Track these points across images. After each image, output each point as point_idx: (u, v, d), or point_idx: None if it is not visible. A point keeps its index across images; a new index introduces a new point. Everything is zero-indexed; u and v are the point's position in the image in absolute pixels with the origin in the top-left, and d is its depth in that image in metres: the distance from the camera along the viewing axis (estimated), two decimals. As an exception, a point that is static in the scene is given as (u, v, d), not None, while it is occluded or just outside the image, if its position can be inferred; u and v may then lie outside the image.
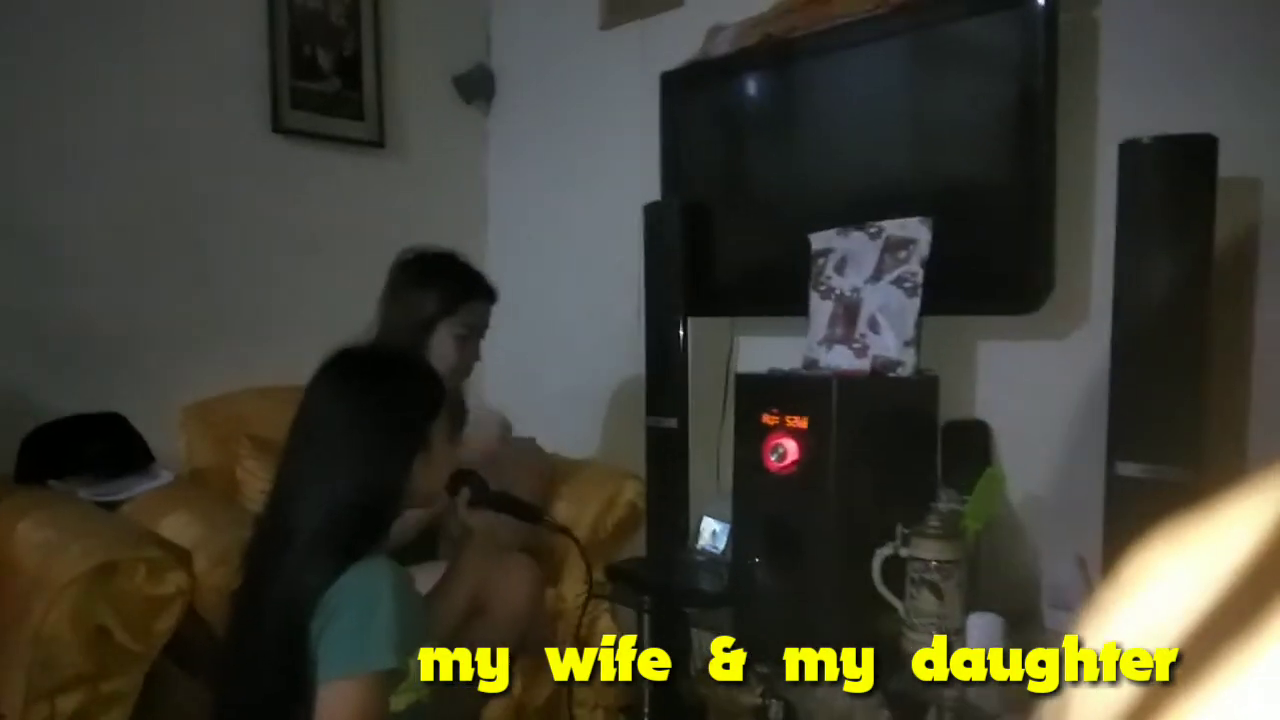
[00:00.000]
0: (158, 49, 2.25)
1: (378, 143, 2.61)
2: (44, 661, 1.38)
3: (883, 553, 1.53)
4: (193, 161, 2.31)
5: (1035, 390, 1.72)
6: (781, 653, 1.67)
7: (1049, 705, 0.23)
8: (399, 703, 1.19)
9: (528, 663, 1.90)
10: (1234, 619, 0.19)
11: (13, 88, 2.06)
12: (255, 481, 2.06)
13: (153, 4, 2.24)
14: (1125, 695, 0.20)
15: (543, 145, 2.72)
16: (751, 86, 2.06)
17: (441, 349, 1.77)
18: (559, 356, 2.64)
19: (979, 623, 1.46)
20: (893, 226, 1.71)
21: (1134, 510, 1.39)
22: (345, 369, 1.25)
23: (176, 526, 1.69)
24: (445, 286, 1.79)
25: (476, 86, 2.81)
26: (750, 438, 1.63)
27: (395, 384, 1.26)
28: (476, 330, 1.84)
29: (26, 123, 2.07)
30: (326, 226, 2.52)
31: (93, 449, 1.89)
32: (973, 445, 1.75)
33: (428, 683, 1.23)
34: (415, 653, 1.18)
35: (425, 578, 1.42)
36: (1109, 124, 1.59)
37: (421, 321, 1.77)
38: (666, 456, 2.03)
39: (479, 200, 2.87)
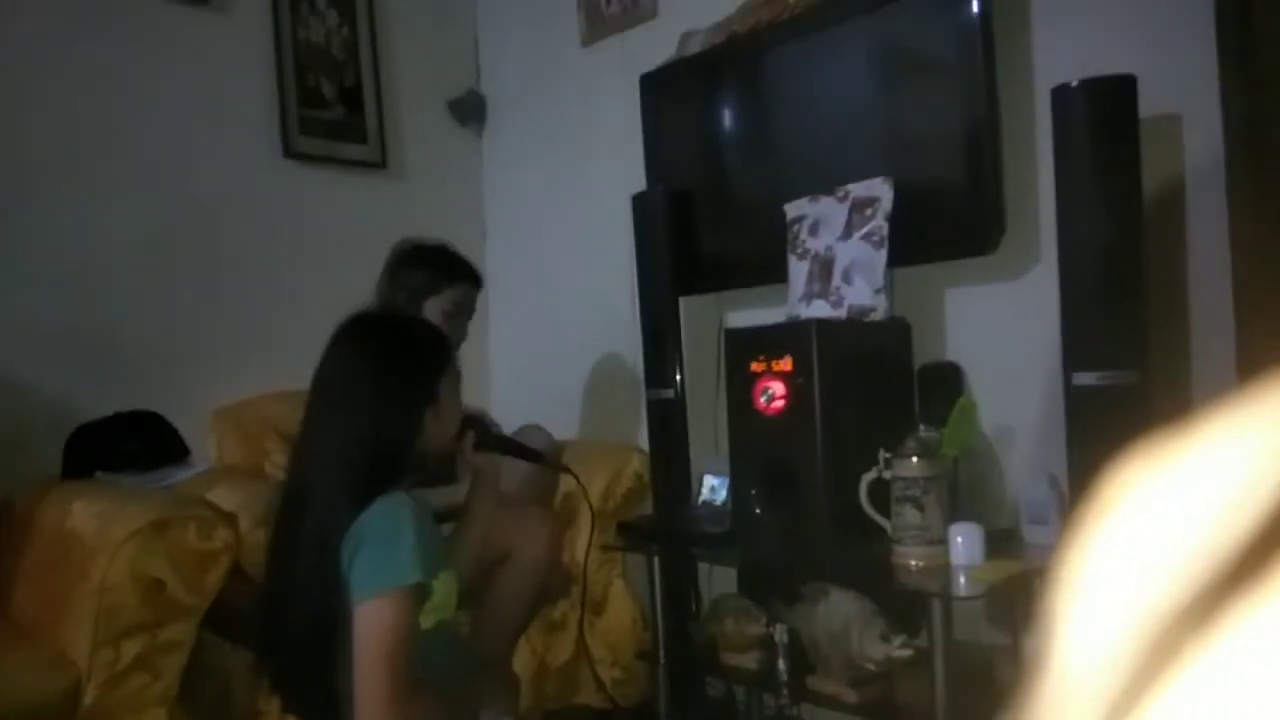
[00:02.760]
0: (177, 85, 2.44)
1: (380, 164, 2.80)
2: (107, 610, 1.51)
3: (868, 477, 1.67)
4: (212, 185, 2.49)
5: (999, 328, 1.88)
6: (784, 582, 1.81)
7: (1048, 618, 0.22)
8: (426, 621, 1.29)
9: (547, 619, 2.03)
10: (1225, 541, 0.18)
11: (44, 126, 2.24)
12: (282, 474, 2.20)
13: (168, 46, 2.44)
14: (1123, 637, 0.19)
15: (535, 156, 2.90)
16: (722, 79, 2.25)
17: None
18: (561, 345, 2.80)
19: (961, 530, 1.59)
20: (858, 188, 1.87)
21: (1093, 419, 1.54)
22: (360, 330, 1.37)
23: (219, 496, 1.82)
24: (435, 267, 1.97)
25: (469, 110, 3.00)
26: (741, 385, 1.78)
27: (406, 342, 1.38)
28: (463, 309, 2.00)
29: (56, 156, 2.26)
30: (335, 242, 2.69)
31: (132, 444, 2.03)
32: (947, 385, 1.89)
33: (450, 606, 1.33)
34: (437, 574, 1.29)
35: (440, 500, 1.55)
36: (1046, 68, 1.76)
37: (411, 296, 1.93)
38: (667, 425, 2.17)
39: (476, 213, 3.05)
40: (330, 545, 1.23)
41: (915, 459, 1.63)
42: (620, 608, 2.19)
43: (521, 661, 1.98)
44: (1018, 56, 1.81)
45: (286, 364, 2.52)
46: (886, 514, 1.66)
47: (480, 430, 1.52)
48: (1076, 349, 1.57)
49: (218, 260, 2.50)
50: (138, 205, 2.35)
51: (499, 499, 1.60)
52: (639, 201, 2.28)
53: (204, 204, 2.47)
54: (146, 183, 2.37)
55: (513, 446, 1.61)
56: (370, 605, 1.22)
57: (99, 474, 1.95)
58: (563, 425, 2.43)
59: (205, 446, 2.34)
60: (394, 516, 1.25)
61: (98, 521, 1.63)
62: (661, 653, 1.94)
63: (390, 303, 1.95)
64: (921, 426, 1.81)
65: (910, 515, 1.63)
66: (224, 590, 1.64)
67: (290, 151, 2.61)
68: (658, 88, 2.35)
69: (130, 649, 1.52)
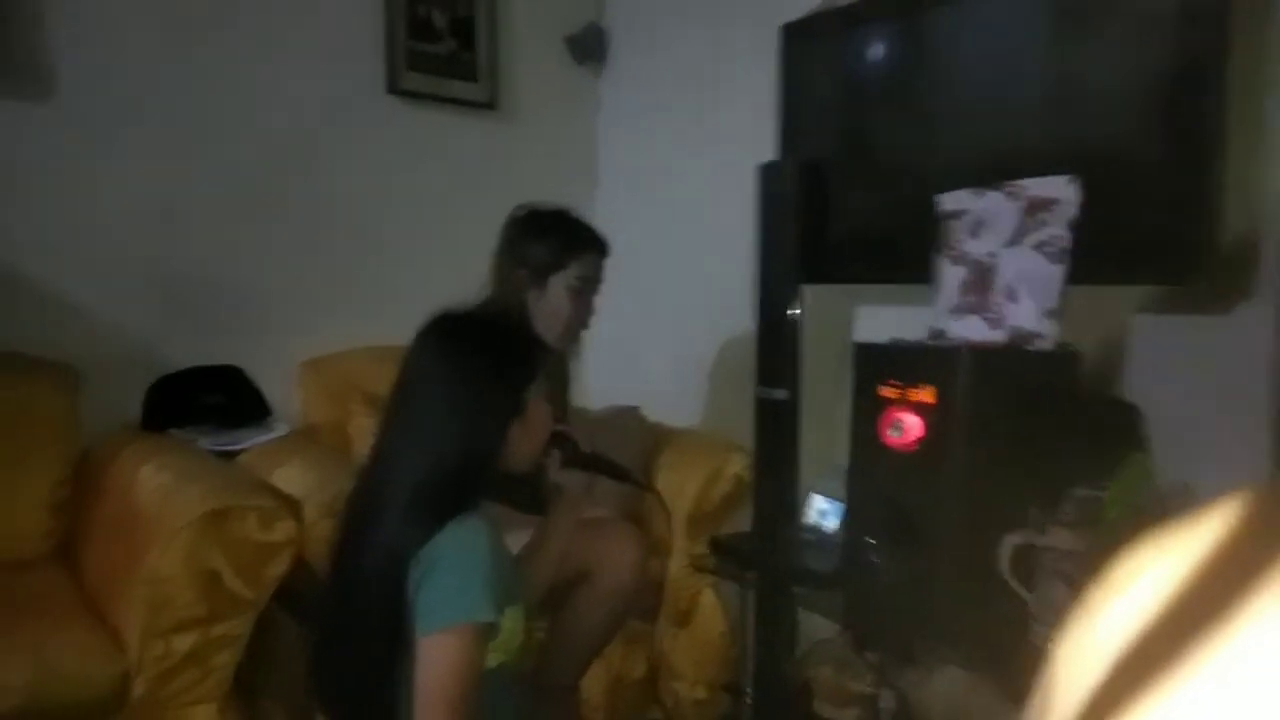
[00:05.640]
0: (279, 15, 2.28)
1: (490, 104, 2.59)
2: (159, 602, 1.42)
3: (1013, 540, 1.41)
4: (312, 122, 2.34)
5: (1192, 371, 1.56)
6: (894, 640, 1.59)
7: (1034, 701, 0.23)
8: (488, 661, 1.19)
9: (627, 633, 1.86)
10: (1199, 610, 0.19)
11: (138, 56, 2.12)
12: (365, 438, 2.05)
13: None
14: (1099, 686, 0.21)
15: (655, 105, 2.64)
16: (879, 37, 1.93)
17: (555, 302, 1.76)
18: (667, 322, 2.58)
19: (1119, 621, 1.33)
20: (1035, 186, 1.56)
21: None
22: (444, 332, 1.24)
23: (288, 477, 1.72)
24: (557, 239, 1.78)
25: (589, 47, 2.75)
26: (867, 411, 1.53)
27: (493, 348, 1.25)
28: (589, 283, 1.82)
29: (157, 90, 2.14)
30: (439, 187, 2.52)
31: (212, 400, 1.94)
32: (1119, 429, 1.60)
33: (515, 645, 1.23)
34: (505, 609, 1.18)
35: (516, 535, 1.40)
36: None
37: (534, 274, 1.76)
38: (776, 429, 1.94)
39: (589, 162, 2.83)
40: (399, 566, 1.14)
41: (1072, 528, 1.37)
42: (709, 621, 2.01)
43: (593, 675, 1.83)
44: (1253, 55, 1.44)
45: (381, 317, 2.39)
46: (1030, 585, 1.41)
47: (567, 447, 1.35)
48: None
49: (315, 201, 2.36)
50: (231, 142, 2.22)
51: (581, 516, 1.45)
52: (767, 172, 2.01)
53: (301, 142, 2.32)
54: (241, 119, 2.23)
55: (600, 464, 1.44)
56: (436, 639, 1.12)
57: (174, 432, 1.87)
58: (662, 411, 2.23)
59: (291, 400, 2.25)
60: (470, 544, 1.15)
61: (159, 497, 1.53)
62: (749, 688, 1.75)
63: (508, 281, 1.77)
64: (1081, 478, 1.53)
65: (1060, 593, 1.37)
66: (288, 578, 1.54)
67: (395, 88, 2.43)
68: (801, 40, 2.04)
69: (182, 643, 1.44)
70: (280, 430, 2.00)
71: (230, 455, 1.87)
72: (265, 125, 2.27)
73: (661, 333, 2.58)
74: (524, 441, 1.25)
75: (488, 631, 1.15)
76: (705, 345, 2.42)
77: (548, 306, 1.76)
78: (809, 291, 1.99)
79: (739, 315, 2.14)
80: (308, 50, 2.32)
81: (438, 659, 1.12)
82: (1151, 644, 0.21)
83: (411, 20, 2.45)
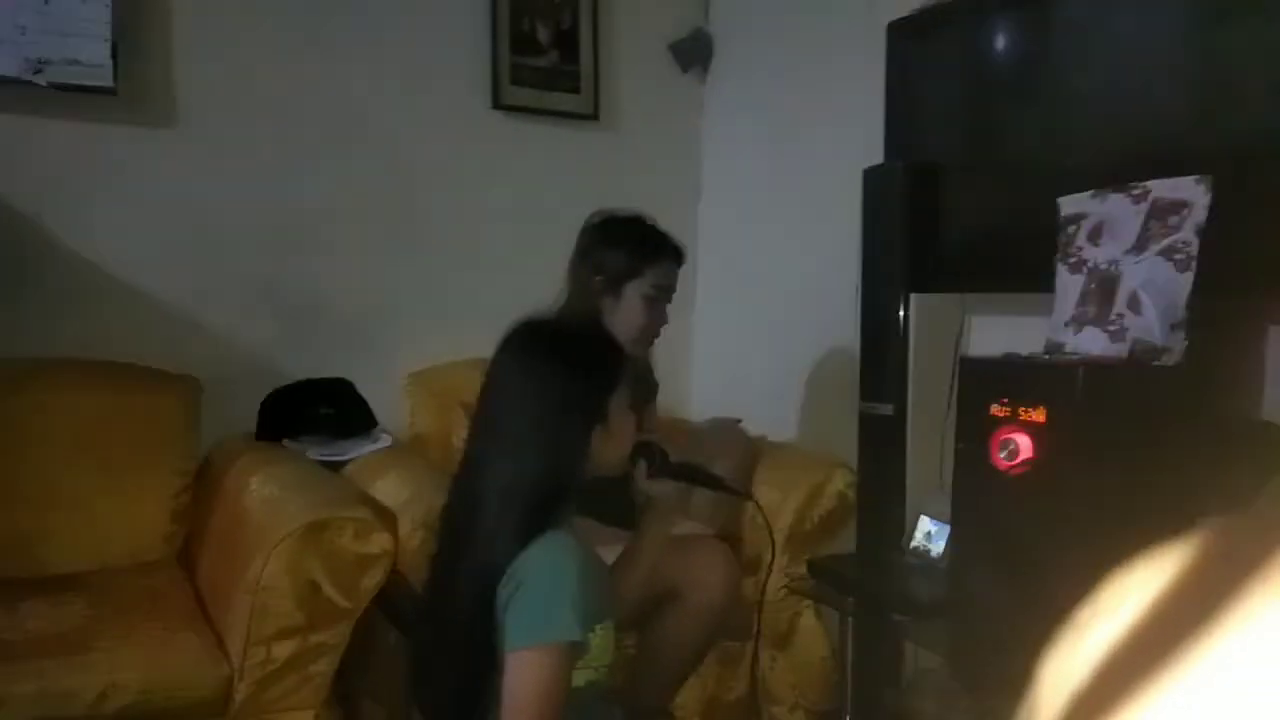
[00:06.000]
0: (388, 34, 2.35)
1: (592, 115, 2.59)
2: (261, 610, 1.46)
3: (1134, 573, 1.29)
4: (420, 139, 2.40)
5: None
6: (1000, 676, 1.48)
7: (1021, 712, 0.24)
8: (577, 679, 1.18)
9: (723, 650, 1.82)
10: (1180, 629, 0.20)
11: (261, 80, 2.23)
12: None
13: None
14: (1079, 702, 0.23)
15: (760, 111, 2.59)
16: (992, 31, 1.82)
17: (629, 310, 1.74)
18: (769, 333, 2.52)
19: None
20: (1161, 187, 1.43)
21: None
22: (523, 342, 1.24)
23: (387, 489, 1.75)
24: (633, 246, 1.77)
25: (694, 53, 2.72)
26: (975, 431, 1.43)
27: (572, 357, 1.23)
28: (664, 291, 1.80)
29: (270, 111, 2.24)
30: (542, 200, 2.54)
31: (322, 411, 2.01)
32: (1256, 450, 1.45)
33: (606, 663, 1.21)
34: (594, 626, 1.17)
35: (608, 550, 1.38)
36: None
37: (609, 281, 1.75)
38: (880, 446, 1.86)
39: (693, 171, 2.79)
40: (489, 583, 1.14)
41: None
42: (809, 644, 1.94)
43: (689, 694, 1.79)
44: None
45: (485, 329, 2.40)
46: (1155, 622, 1.29)
47: (654, 456, 1.32)
48: None
49: (422, 216, 2.42)
50: (341, 160, 2.31)
51: (673, 530, 1.41)
52: (872, 176, 1.93)
53: (408, 159, 2.39)
54: (350, 137, 2.31)
55: (691, 473, 1.39)
56: (523, 657, 1.12)
57: (285, 442, 1.94)
58: (764, 424, 2.17)
59: (399, 412, 2.30)
60: (558, 562, 1.14)
61: (265, 509, 1.59)
62: (847, 716, 1.68)
63: (585, 288, 1.78)
64: (1214, 505, 1.39)
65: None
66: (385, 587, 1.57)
67: (499, 103, 2.46)
68: (908, 38, 1.95)
69: (282, 650, 1.48)
70: (385, 441, 2.05)
71: (338, 466, 1.93)
72: (373, 143, 2.34)
73: (766, 344, 2.52)
74: (608, 450, 1.23)
75: (575, 650, 1.14)
76: (810, 357, 2.34)
77: (622, 314, 1.75)
78: (919, 301, 1.90)
79: (847, 326, 2.07)
80: (414, 68, 2.39)
81: (525, 677, 1.11)
82: (1133, 662, 0.21)
83: (515, 35, 2.48)
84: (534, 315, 1.30)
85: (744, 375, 2.49)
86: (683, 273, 1.90)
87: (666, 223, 1.93)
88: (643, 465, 1.32)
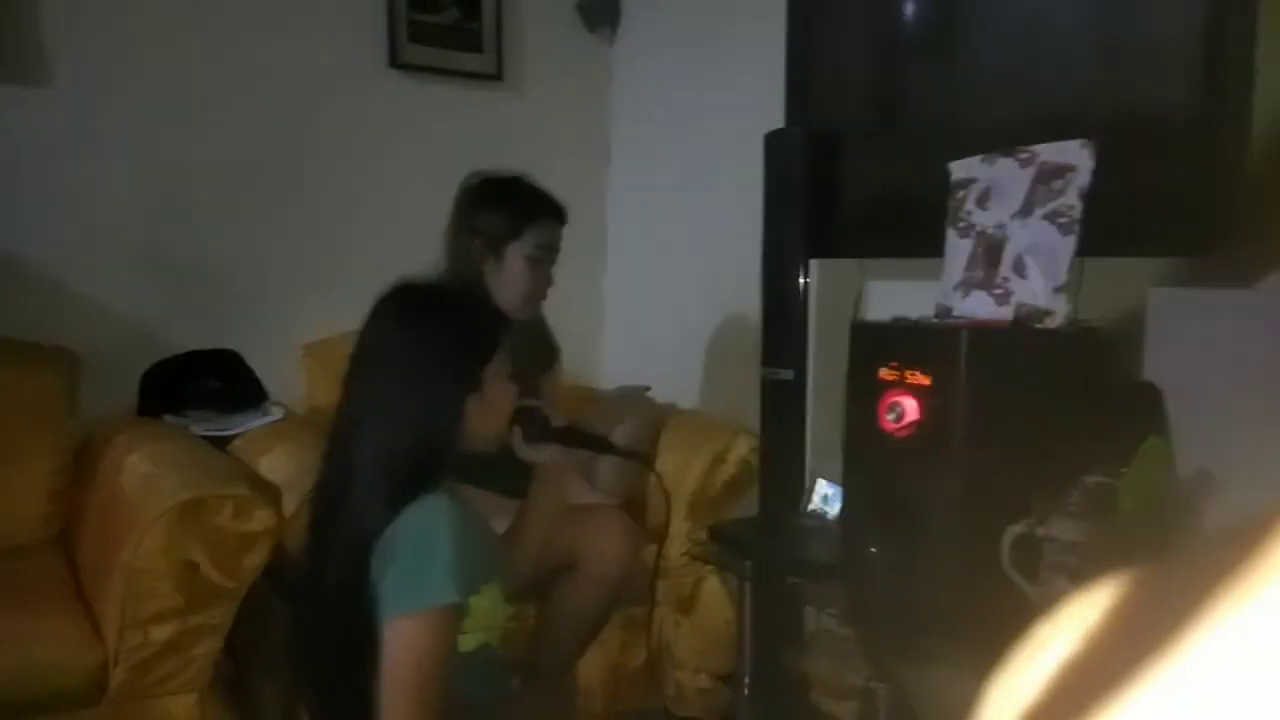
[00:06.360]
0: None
1: (496, 75, 2.52)
2: (136, 592, 1.40)
3: (1014, 530, 1.32)
4: (311, 100, 2.30)
5: (1216, 349, 1.44)
6: (892, 633, 1.51)
7: None
8: (466, 643, 1.16)
9: (624, 617, 1.82)
10: (1121, 660, 0.20)
11: (141, 38, 2.10)
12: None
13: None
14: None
15: (668, 74, 2.55)
16: (891, -6, 1.81)
17: (512, 273, 1.71)
18: (678, 299, 2.50)
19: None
20: (1048, 151, 1.45)
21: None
22: (399, 304, 1.20)
23: (275, 463, 1.70)
24: (512, 207, 1.72)
25: (600, 12, 2.66)
26: (864, 395, 1.44)
27: (447, 322, 1.19)
28: (547, 251, 1.76)
29: (153, 70, 2.11)
30: (444, 163, 2.45)
31: (207, 385, 1.93)
32: (1135, 412, 1.49)
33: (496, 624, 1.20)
34: (479, 589, 1.15)
35: (499, 521, 1.35)
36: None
37: (489, 244, 1.70)
38: (782, 411, 1.86)
39: (600, 135, 2.74)
40: (362, 553, 1.11)
41: (1077, 518, 1.27)
42: (713, 608, 1.95)
43: (592, 662, 1.79)
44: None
45: (384, 297, 2.39)
46: (1033, 577, 1.32)
47: (534, 423, 1.28)
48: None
49: (315, 181, 2.33)
50: (228, 122, 2.20)
51: (574, 499, 1.39)
52: (773, 141, 1.92)
53: (300, 120, 2.29)
54: (238, 97, 2.20)
55: (576, 437, 1.36)
56: (399, 625, 1.09)
57: (168, 417, 1.86)
58: (673, 391, 2.16)
59: (295, 384, 2.23)
60: (430, 525, 1.11)
61: (140, 487, 1.52)
62: (746, 678, 1.69)
63: (463, 253, 1.73)
64: (1093, 465, 1.43)
65: (1062, 587, 1.28)
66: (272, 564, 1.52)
67: (397, 61, 2.37)
68: (809, 1, 1.94)
69: (160, 633, 1.42)
70: (276, 415, 1.98)
71: (224, 441, 1.86)
72: (263, 104, 2.24)
73: (676, 310, 2.51)
74: (483, 419, 1.20)
75: (454, 613, 1.12)
76: (717, 323, 2.34)
77: (505, 277, 1.71)
78: (820, 267, 1.90)
79: (750, 291, 2.06)
80: (305, 25, 2.28)
81: (401, 644, 1.08)
82: (1087, 682, 0.21)
83: (414, -10, 2.39)
84: (410, 278, 1.25)
85: (655, 342, 2.47)
86: (594, 238, 1.87)
87: (575, 188, 1.89)
88: (518, 431, 1.28)
